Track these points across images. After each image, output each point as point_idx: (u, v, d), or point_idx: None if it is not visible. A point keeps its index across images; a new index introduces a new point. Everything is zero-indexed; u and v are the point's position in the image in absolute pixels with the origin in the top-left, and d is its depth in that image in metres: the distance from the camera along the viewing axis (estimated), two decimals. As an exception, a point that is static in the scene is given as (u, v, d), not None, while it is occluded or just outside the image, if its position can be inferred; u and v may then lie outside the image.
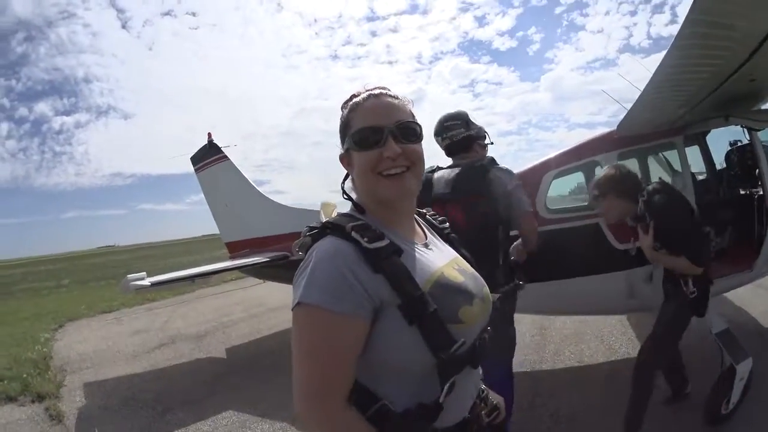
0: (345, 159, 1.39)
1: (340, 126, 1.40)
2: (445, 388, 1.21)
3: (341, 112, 1.40)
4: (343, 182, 1.46)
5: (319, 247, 1.22)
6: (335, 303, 1.12)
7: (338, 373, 1.16)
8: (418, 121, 1.37)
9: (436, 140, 3.48)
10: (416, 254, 1.32)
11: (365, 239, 1.20)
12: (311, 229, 1.31)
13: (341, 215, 1.36)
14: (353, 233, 1.21)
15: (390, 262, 1.20)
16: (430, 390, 1.21)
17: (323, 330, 1.13)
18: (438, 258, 1.39)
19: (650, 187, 3.29)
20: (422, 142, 1.37)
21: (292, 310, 1.19)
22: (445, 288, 1.27)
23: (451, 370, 1.22)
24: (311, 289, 1.14)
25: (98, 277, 26.68)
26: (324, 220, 1.34)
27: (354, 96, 1.38)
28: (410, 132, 1.32)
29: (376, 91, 1.35)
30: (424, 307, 1.18)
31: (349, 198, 1.43)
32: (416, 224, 1.50)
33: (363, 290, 1.15)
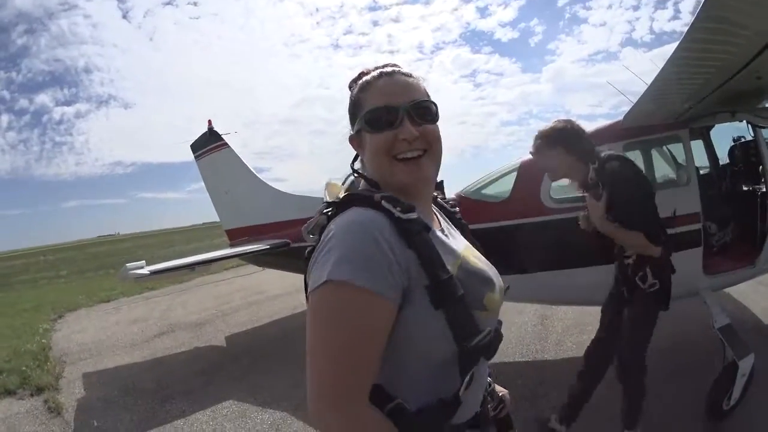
0: (355, 140, 1.28)
1: (350, 106, 1.28)
2: (465, 381, 1.10)
3: (350, 91, 1.29)
4: (353, 163, 1.34)
5: (346, 218, 1.08)
6: (373, 281, 0.98)
7: (370, 366, 1.01)
8: (434, 101, 1.24)
9: None
10: (439, 236, 1.19)
11: (398, 209, 1.08)
12: (329, 205, 1.18)
13: (360, 189, 1.24)
14: (384, 203, 1.09)
15: (421, 239, 1.08)
16: (447, 384, 1.10)
17: (360, 314, 0.99)
18: (457, 243, 1.27)
19: (604, 155, 3.07)
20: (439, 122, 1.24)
21: (311, 292, 1.03)
22: (470, 273, 1.16)
23: (471, 361, 1.11)
24: (343, 263, 0.99)
25: (98, 267, 26.71)
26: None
27: (363, 74, 1.27)
28: (427, 111, 1.20)
29: (388, 69, 1.24)
30: (453, 290, 1.07)
31: (362, 175, 1.29)
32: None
33: (399, 267, 1.02)
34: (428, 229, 1.12)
